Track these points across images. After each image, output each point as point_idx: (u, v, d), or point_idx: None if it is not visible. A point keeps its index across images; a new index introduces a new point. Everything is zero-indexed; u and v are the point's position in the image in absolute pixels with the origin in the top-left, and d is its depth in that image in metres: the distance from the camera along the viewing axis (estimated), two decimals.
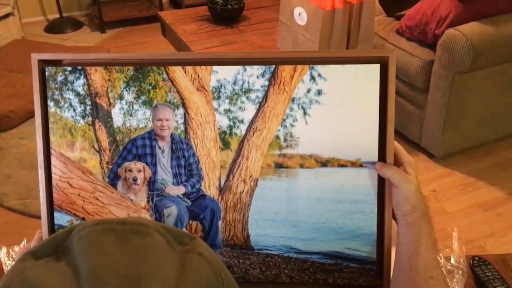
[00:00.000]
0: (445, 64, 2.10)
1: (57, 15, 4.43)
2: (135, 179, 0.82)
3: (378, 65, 0.76)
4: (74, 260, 0.32)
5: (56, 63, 0.81)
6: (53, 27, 4.39)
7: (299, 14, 2.16)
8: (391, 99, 0.76)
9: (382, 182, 0.78)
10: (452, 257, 0.85)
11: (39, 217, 0.81)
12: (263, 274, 0.82)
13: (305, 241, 0.81)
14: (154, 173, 0.81)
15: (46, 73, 0.80)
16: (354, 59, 0.77)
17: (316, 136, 0.79)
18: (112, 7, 4.50)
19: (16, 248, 0.94)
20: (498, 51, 2.06)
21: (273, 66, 0.78)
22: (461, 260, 0.84)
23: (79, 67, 0.80)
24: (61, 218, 0.83)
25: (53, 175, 0.82)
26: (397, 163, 0.76)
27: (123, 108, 0.81)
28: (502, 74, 2.20)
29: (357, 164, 0.79)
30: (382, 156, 0.77)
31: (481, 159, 2.39)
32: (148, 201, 0.82)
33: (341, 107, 0.78)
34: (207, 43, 2.50)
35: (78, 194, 0.82)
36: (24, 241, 0.94)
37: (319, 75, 0.77)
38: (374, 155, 0.78)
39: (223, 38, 2.56)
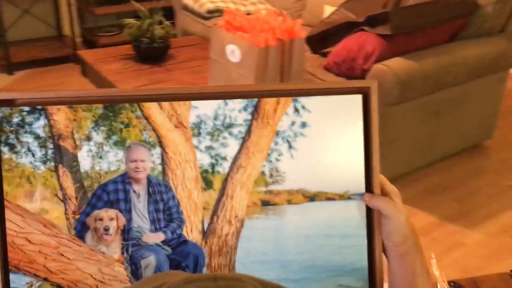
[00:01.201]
0: None
1: None
2: (106, 229, 0.73)
3: (360, 96, 0.76)
4: None
5: (10, 103, 0.72)
6: None
7: (232, 51, 2.16)
8: (374, 129, 0.76)
9: (369, 214, 0.77)
10: (438, 284, 0.84)
11: None
12: None
13: (297, 281, 0.76)
14: (129, 220, 0.73)
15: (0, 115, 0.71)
16: (337, 90, 0.76)
17: (302, 170, 0.76)
18: (20, 48, 4.25)
19: None
20: (421, 84, 2.20)
21: (256, 99, 0.74)
22: (445, 286, 0.84)
23: (38, 107, 0.71)
24: (18, 281, 0.72)
25: (8, 231, 0.71)
26: (382, 193, 0.75)
27: (91, 150, 0.73)
28: (425, 105, 2.34)
29: (345, 196, 0.76)
30: (368, 187, 0.76)
31: (411, 186, 2.50)
32: (122, 253, 0.74)
33: (326, 139, 0.76)
34: (135, 82, 2.42)
35: (39, 251, 0.72)
36: None
37: (302, 107, 0.75)
38: (361, 187, 0.76)
39: (151, 77, 2.49)
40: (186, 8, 3.59)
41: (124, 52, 2.82)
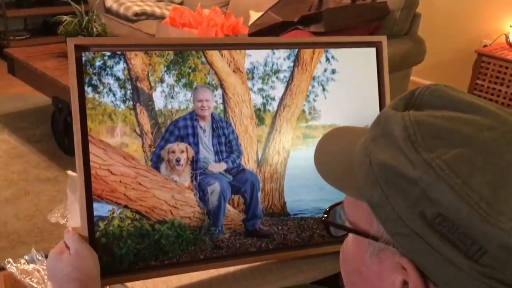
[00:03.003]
0: None
1: None
2: (178, 160, 0.84)
3: (374, 48, 0.95)
4: (438, 106, 0.40)
5: (90, 48, 0.80)
6: None
7: None
8: (385, 74, 0.95)
9: None
10: None
11: None
12: (299, 237, 0.90)
13: (332, 201, 0.92)
14: (197, 152, 0.85)
15: (83, 59, 0.79)
16: (356, 43, 0.94)
17: (333, 108, 0.92)
18: None
19: (23, 260, 0.84)
20: None
21: (296, 49, 0.90)
22: None
23: (118, 52, 0.80)
24: (101, 209, 0.80)
25: (91, 163, 0.79)
26: None
27: (164, 91, 0.83)
28: None
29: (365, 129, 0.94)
30: None
31: None
32: (191, 181, 0.85)
33: (350, 83, 0.93)
34: None
35: (120, 181, 0.81)
36: (33, 251, 0.85)
37: (332, 56, 0.92)
38: None
39: None
40: (109, 11, 3.60)
41: (56, 50, 2.78)
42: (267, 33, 2.65)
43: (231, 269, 0.88)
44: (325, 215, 0.49)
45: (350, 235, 0.46)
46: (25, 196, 2.21)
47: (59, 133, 2.67)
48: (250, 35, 2.46)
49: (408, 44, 2.98)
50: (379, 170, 0.40)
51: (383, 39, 0.94)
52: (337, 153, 0.49)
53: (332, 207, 0.50)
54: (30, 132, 2.84)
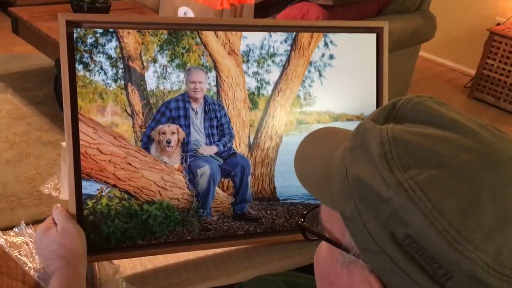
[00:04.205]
0: None
1: None
2: (168, 142, 0.83)
3: (375, 34, 0.92)
4: (419, 120, 0.39)
5: (82, 24, 0.78)
6: None
7: (185, 13, 2.23)
8: (385, 62, 0.93)
9: None
10: None
11: None
12: (287, 222, 0.90)
13: None
14: (188, 134, 0.84)
15: (75, 35, 0.77)
16: (357, 29, 0.92)
17: (329, 95, 0.91)
18: None
19: (12, 233, 0.85)
20: None
21: (294, 33, 0.88)
22: None
23: (111, 30, 0.79)
24: (89, 187, 0.80)
25: (81, 142, 0.78)
26: None
27: (156, 71, 0.82)
28: None
29: (361, 118, 0.93)
30: None
31: None
32: (181, 163, 0.84)
33: (348, 69, 0.91)
34: None
35: (109, 160, 0.80)
36: (22, 224, 0.86)
37: (331, 41, 0.90)
38: (373, 109, 0.93)
39: None
40: None
41: (61, 11, 2.74)
42: (272, 4, 2.60)
43: (218, 250, 0.89)
44: (302, 219, 0.49)
45: (324, 242, 0.45)
46: (26, 158, 2.22)
47: (61, 97, 2.66)
48: (256, 4, 2.42)
49: (418, 20, 2.92)
50: (353, 184, 0.39)
51: (384, 25, 0.92)
52: (316, 159, 0.48)
53: (309, 211, 0.50)
54: (33, 93, 2.83)
